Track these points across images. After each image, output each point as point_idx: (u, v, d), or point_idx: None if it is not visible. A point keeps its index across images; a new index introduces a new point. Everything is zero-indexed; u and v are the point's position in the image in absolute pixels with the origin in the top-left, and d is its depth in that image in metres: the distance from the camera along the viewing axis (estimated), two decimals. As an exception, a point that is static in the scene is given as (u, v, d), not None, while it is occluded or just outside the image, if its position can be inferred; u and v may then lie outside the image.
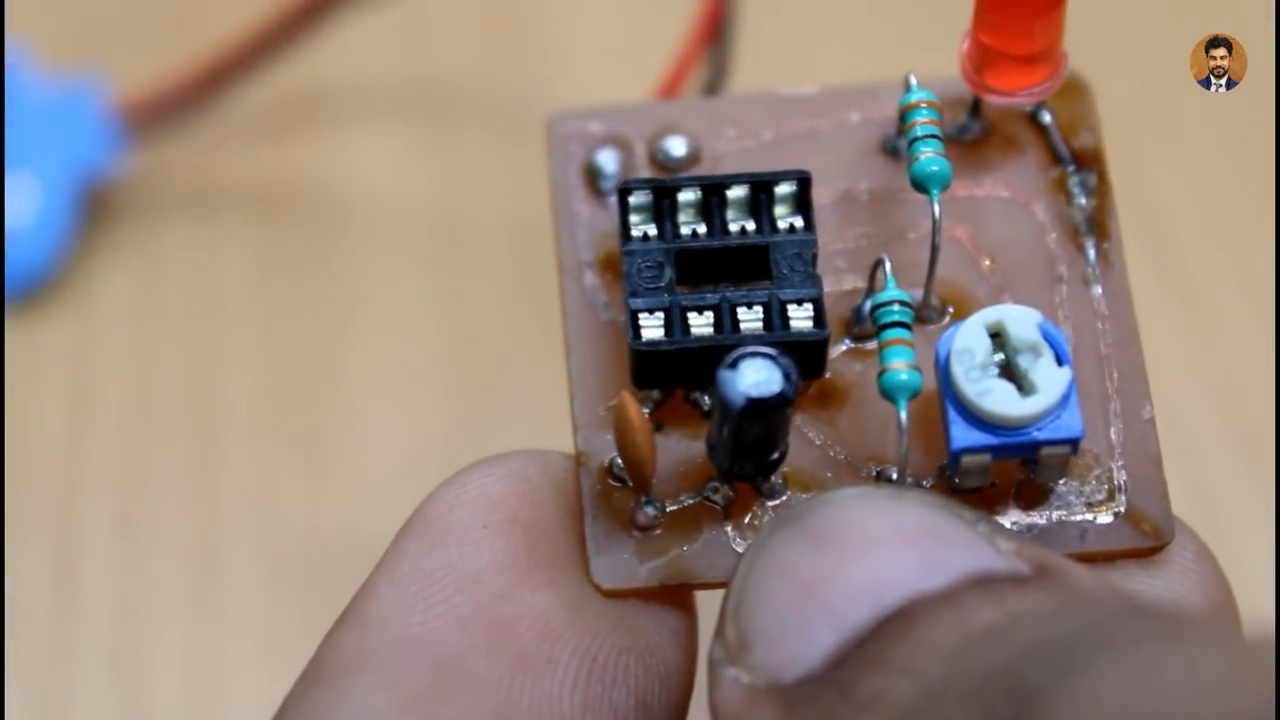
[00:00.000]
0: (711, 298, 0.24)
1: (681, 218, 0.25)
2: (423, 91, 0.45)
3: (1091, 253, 0.26)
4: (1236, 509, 0.39)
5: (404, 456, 0.40)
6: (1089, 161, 0.27)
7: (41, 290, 0.42)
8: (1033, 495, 0.25)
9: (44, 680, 0.38)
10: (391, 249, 0.43)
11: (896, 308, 0.24)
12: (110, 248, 0.43)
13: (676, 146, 0.27)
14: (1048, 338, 0.24)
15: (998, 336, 0.24)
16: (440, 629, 0.24)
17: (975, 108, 0.27)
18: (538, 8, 0.46)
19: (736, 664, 0.22)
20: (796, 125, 0.27)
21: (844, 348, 0.26)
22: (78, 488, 0.40)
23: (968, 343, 0.24)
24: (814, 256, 0.25)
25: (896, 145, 0.27)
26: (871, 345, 0.26)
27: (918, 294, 0.26)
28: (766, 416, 0.23)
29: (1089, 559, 0.25)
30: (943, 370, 0.24)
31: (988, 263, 0.26)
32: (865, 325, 0.26)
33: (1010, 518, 0.25)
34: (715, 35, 0.31)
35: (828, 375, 0.25)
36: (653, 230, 0.25)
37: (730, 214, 0.25)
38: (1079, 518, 0.25)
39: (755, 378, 0.23)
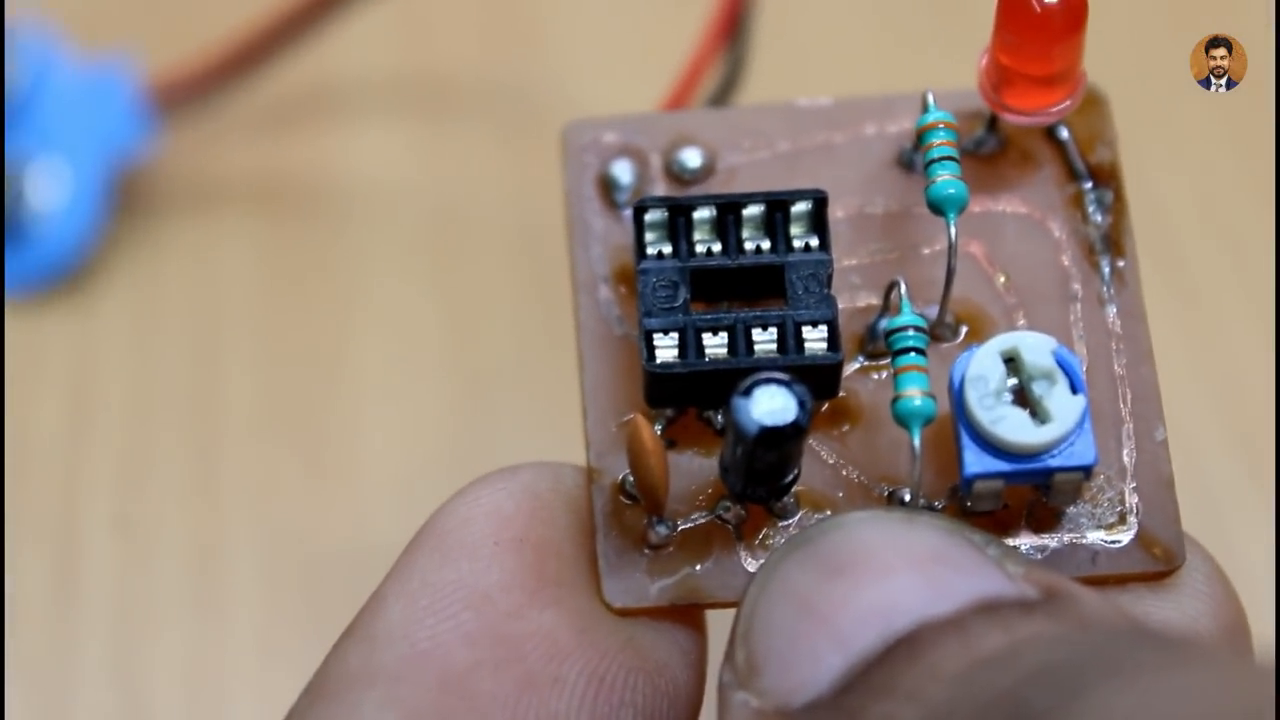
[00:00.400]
0: (726, 318, 0.24)
1: (697, 235, 0.25)
2: (425, 86, 0.45)
3: (1106, 271, 0.26)
4: (1237, 510, 0.39)
5: (404, 454, 0.40)
6: (1105, 177, 0.27)
7: (75, 277, 0.42)
8: (1044, 518, 0.25)
9: (44, 680, 0.38)
10: (393, 244, 0.43)
11: (911, 333, 0.24)
12: (127, 239, 0.43)
13: (692, 158, 0.27)
14: (1062, 365, 0.24)
15: (1012, 362, 0.24)
16: (448, 645, 0.24)
17: (992, 122, 0.27)
18: (539, 2, 0.46)
19: (746, 688, 0.22)
20: (812, 138, 0.27)
21: (858, 365, 0.26)
22: (78, 488, 0.40)
23: (982, 369, 0.24)
24: (829, 276, 0.25)
25: (912, 159, 0.27)
26: (885, 363, 0.25)
27: (932, 312, 0.26)
28: (780, 444, 0.23)
29: (1100, 582, 0.25)
30: (957, 396, 0.24)
31: (1002, 279, 0.26)
32: (879, 344, 0.26)
33: (1022, 540, 0.25)
34: (731, 37, 0.31)
35: (842, 394, 0.25)
36: (668, 248, 0.25)
37: (746, 232, 0.25)
38: (1090, 541, 0.25)
39: (770, 406, 0.23)
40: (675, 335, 0.24)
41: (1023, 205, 0.27)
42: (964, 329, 0.26)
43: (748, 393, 0.23)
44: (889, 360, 0.24)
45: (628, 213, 0.26)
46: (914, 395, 0.24)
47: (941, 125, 0.25)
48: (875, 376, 0.26)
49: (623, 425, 0.25)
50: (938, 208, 0.25)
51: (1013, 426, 0.24)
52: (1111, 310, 0.26)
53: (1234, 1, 0.45)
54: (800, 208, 0.25)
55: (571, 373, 0.26)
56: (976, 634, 0.21)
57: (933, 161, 0.25)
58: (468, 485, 0.25)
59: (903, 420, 0.24)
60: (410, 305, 0.42)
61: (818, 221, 0.25)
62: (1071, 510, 0.25)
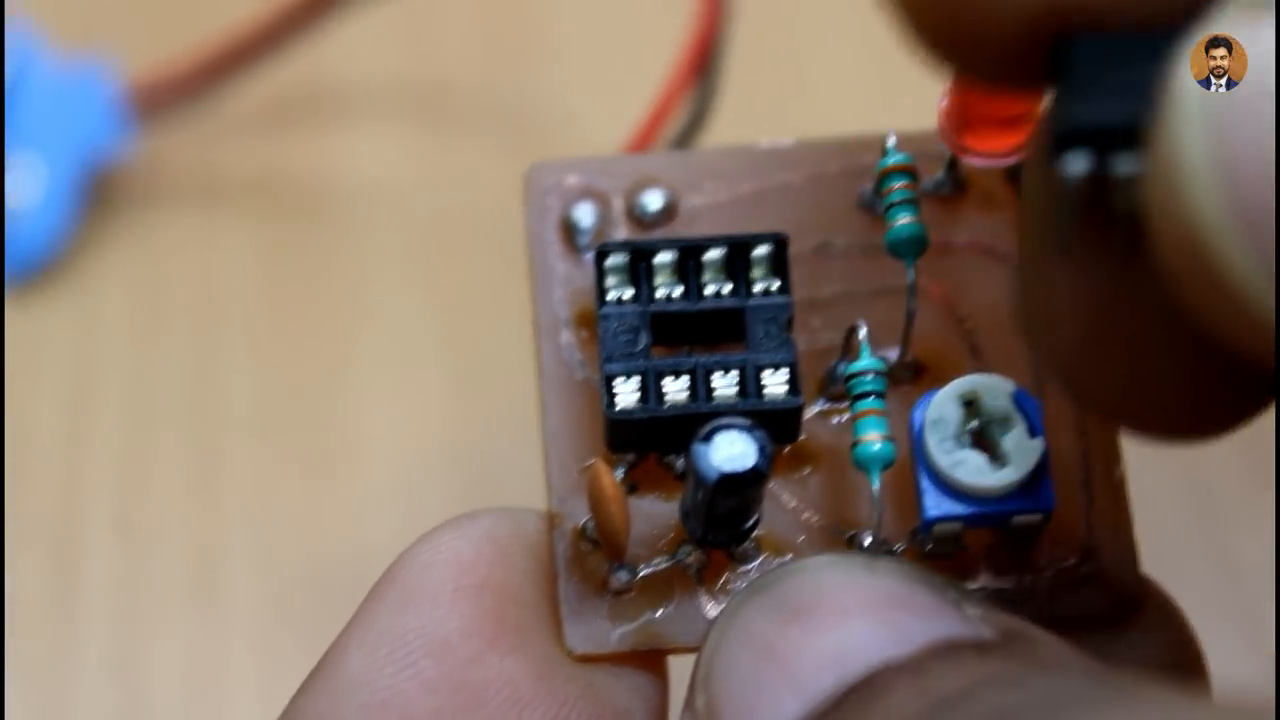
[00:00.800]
0: (687, 362, 0.24)
1: (658, 279, 0.25)
2: (424, 90, 0.45)
3: None
4: (1236, 509, 0.39)
5: (404, 455, 0.40)
6: None
7: (43, 275, 0.42)
8: (1003, 560, 0.25)
9: (44, 680, 0.38)
10: (393, 246, 0.43)
11: (870, 378, 0.24)
12: (113, 237, 0.43)
13: (653, 201, 0.27)
14: (1021, 407, 0.24)
15: (972, 405, 0.24)
16: (408, 693, 0.24)
17: (953, 164, 0.27)
18: (540, 8, 0.46)
19: None
20: (774, 178, 0.27)
21: (819, 408, 0.26)
22: (78, 488, 0.40)
23: (942, 413, 0.24)
24: (790, 320, 0.25)
25: (873, 202, 0.27)
26: (846, 405, 0.26)
27: (892, 354, 0.26)
28: (741, 490, 0.23)
29: (1058, 624, 0.25)
30: (916, 439, 0.24)
31: (963, 320, 0.26)
32: (840, 386, 0.26)
33: (980, 582, 0.25)
34: (697, 79, 0.31)
35: (803, 437, 0.25)
36: (629, 293, 0.25)
37: (707, 275, 0.25)
38: (1049, 583, 0.25)
39: (729, 451, 0.23)
40: (636, 380, 0.24)
41: (984, 247, 0.27)
42: (924, 371, 0.26)
43: (708, 439, 0.23)
44: (849, 402, 0.25)
45: (589, 256, 0.26)
46: (873, 440, 0.24)
47: (901, 168, 0.25)
48: (836, 419, 0.26)
49: (584, 470, 0.25)
50: (897, 251, 0.25)
51: (972, 470, 0.24)
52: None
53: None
54: (761, 250, 0.25)
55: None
56: (933, 676, 0.21)
57: (892, 205, 0.25)
58: (427, 532, 0.25)
59: (862, 465, 0.24)
60: (410, 307, 0.42)
61: (778, 264, 0.25)
62: (1031, 553, 0.25)
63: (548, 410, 0.26)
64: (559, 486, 0.25)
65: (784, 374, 0.24)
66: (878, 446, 0.24)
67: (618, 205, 0.27)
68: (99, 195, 0.43)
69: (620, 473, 0.25)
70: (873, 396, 0.24)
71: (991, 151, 0.26)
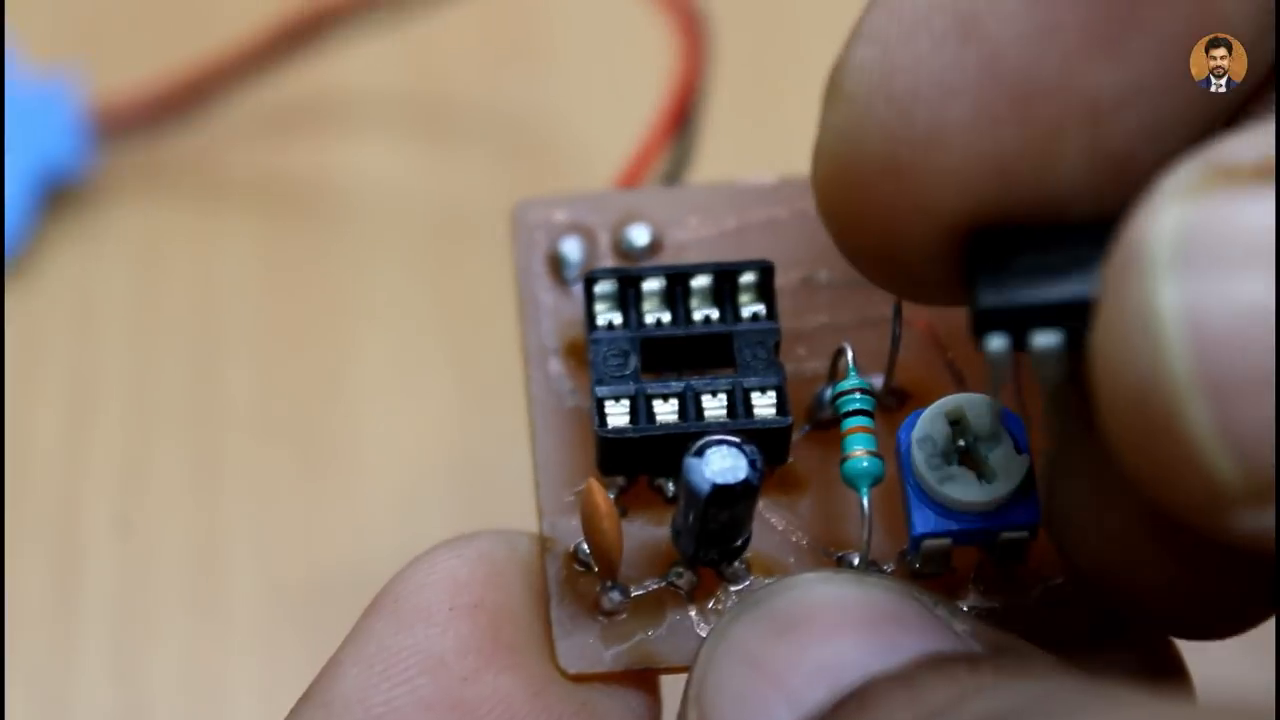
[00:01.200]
0: (676, 385, 0.25)
1: (646, 306, 0.25)
2: (425, 101, 0.45)
3: None
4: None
5: (404, 457, 0.40)
6: None
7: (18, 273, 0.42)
8: (991, 579, 0.25)
9: (44, 680, 0.38)
10: (393, 252, 0.43)
11: (858, 396, 0.24)
12: (114, 238, 0.43)
13: (639, 236, 0.27)
14: (1007, 425, 0.24)
15: (958, 424, 0.24)
16: (404, 711, 0.24)
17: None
18: (538, 24, 0.46)
19: None
20: (757, 214, 0.28)
21: (805, 433, 0.26)
22: (78, 488, 0.40)
23: (929, 430, 0.24)
24: (777, 344, 0.25)
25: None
26: (833, 432, 0.26)
27: (878, 382, 0.26)
28: (732, 504, 0.23)
29: (1046, 639, 0.25)
30: (904, 458, 0.24)
31: (946, 350, 0.27)
32: (826, 412, 0.26)
33: (969, 601, 0.25)
34: (681, 123, 0.32)
35: (790, 460, 0.26)
36: (618, 319, 0.25)
37: (694, 302, 0.26)
38: (1036, 599, 0.25)
39: (721, 465, 0.23)
40: (626, 402, 0.25)
41: None
42: (909, 397, 0.26)
43: (700, 453, 0.23)
44: (836, 427, 0.25)
45: (577, 288, 0.27)
46: (862, 456, 0.24)
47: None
48: (822, 445, 0.26)
49: (577, 494, 0.26)
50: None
51: (960, 486, 0.24)
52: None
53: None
54: (748, 278, 0.26)
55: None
56: (924, 688, 0.21)
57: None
58: (423, 553, 0.25)
59: (851, 480, 0.24)
60: (410, 310, 0.42)
61: (765, 291, 0.26)
62: (1018, 570, 0.25)
63: (537, 437, 0.26)
64: (550, 512, 0.26)
65: (772, 395, 0.25)
66: (866, 463, 0.24)
67: (604, 240, 0.27)
68: (58, 203, 0.43)
69: (611, 497, 0.25)
70: (861, 414, 0.24)
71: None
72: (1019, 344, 0.22)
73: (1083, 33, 0.21)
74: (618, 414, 0.25)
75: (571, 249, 0.27)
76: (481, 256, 0.41)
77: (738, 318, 0.25)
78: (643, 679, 0.25)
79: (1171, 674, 0.25)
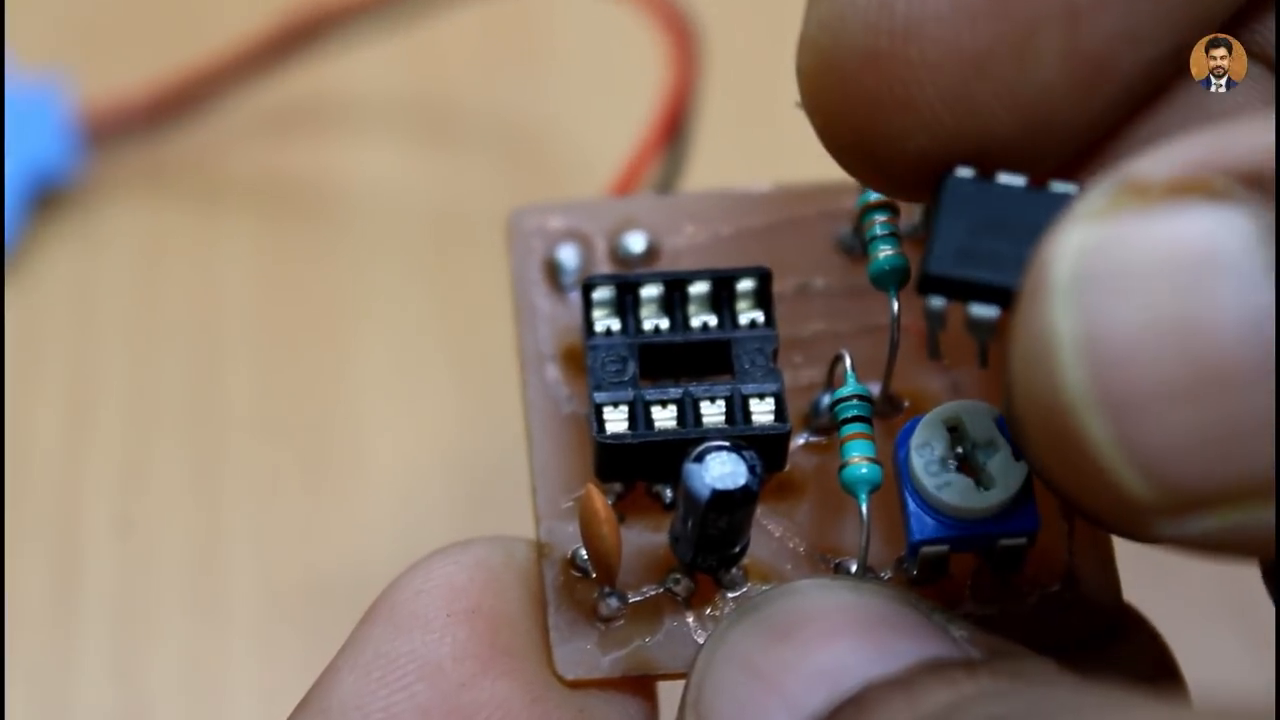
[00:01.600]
0: (674, 392, 0.25)
1: (644, 312, 0.25)
2: (423, 107, 0.45)
3: None
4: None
5: (405, 457, 0.40)
6: None
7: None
8: (988, 584, 0.25)
9: (44, 680, 0.38)
10: (393, 254, 0.43)
11: (856, 403, 0.24)
12: (114, 237, 0.43)
13: (636, 242, 0.27)
14: (1004, 432, 0.24)
15: (956, 430, 0.24)
16: (401, 716, 0.24)
17: (929, 208, 0.27)
18: (538, 28, 0.46)
19: None
20: (752, 221, 0.28)
21: (802, 441, 0.26)
22: (78, 488, 0.40)
23: (927, 437, 0.24)
24: (775, 351, 0.25)
25: (851, 243, 0.27)
26: (830, 439, 0.26)
27: (876, 389, 0.26)
28: (732, 509, 0.23)
29: (1042, 645, 0.25)
30: (902, 464, 0.24)
31: (943, 358, 0.27)
32: (823, 419, 0.26)
33: (966, 608, 0.25)
34: (674, 131, 0.32)
35: (787, 468, 0.26)
36: (616, 325, 0.25)
37: (692, 309, 0.26)
38: (1033, 605, 0.25)
39: (720, 471, 0.23)
40: (625, 408, 0.25)
41: None
42: (906, 404, 0.26)
43: (700, 459, 0.23)
44: (833, 434, 0.25)
45: (573, 294, 0.27)
46: (860, 462, 0.24)
47: (881, 204, 0.26)
48: (820, 452, 0.26)
49: (575, 500, 0.25)
50: (880, 282, 0.25)
51: (958, 492, 0.24)
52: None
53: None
54: (745, 285, 0.26)
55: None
56: (922, 692, 0.21)
57: (874, 239, 0.25)
58: (420, 559, 0.25)
59: (850, 487, 0.24)
60: (410, 311, 0.42)
61: (762, 298, 0.26)
62: (1015, 577, 0.25)
63: (535, 443, 0.26)
64: (547, 518, 0.26)
65: (770, 402, 0.25)
66: (865, 469, 0.24)
67: (600, 247, 0.27)
68: (49, 205, 0.43)
69: (609, 502, 0.25)
70: (859, 421, 0.24)
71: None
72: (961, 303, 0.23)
73: None
74: (616, 420, 0.25)
75: (568, 256, 0.27)
76: (481, 258, 0.41)
77: (735, 324, 0.25)
78: (640, 685, 0.25)
79: (1166, 677, 0.25)
